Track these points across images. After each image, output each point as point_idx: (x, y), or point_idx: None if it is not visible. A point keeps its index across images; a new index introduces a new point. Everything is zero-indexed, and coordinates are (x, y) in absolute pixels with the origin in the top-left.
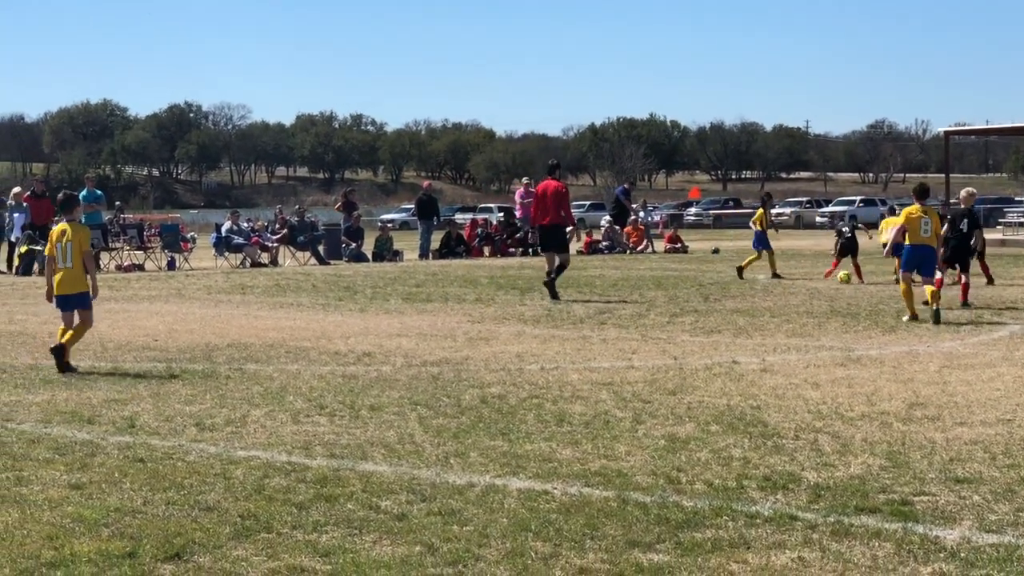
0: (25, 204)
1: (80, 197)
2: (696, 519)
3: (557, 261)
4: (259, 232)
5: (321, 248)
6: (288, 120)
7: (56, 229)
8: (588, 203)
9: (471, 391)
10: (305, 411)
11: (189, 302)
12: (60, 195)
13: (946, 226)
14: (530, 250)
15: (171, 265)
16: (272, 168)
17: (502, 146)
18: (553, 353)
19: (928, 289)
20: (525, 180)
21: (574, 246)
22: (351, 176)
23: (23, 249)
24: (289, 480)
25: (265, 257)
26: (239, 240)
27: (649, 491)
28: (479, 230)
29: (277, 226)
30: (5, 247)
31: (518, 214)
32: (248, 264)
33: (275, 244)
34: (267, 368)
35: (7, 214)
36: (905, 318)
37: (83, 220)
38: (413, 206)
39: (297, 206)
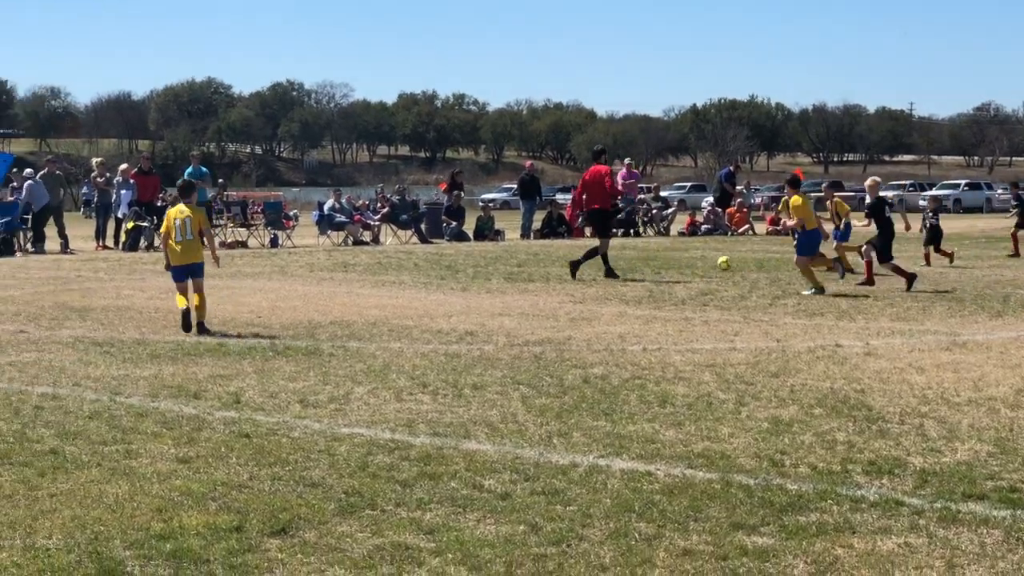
0: (132, 181)
1: (186, 174)
2: (800, 502)
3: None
4: (361, 210)
5: (423, 227)
6: (390, 99)
7: (174, 210)
8: (689, 185)
9: (573, 371)
10: (408, 389)
11: (292, 279)
12: (180, 182)
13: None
14: (631, 231)
15: (274, 242)
16: (373, 147)
17: (603, 127)
18: (655, 334)
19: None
20: (627, 161)
21: (675, 227)
22: (452, 155)
23: (130, 225)
24: (393, 458)
25: (367, 235)
26: (341, 218)
27: (753, 473)
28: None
29: (379, 205)
30: (112, 223)
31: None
32: (350, 242)
33: (377, 222)
34: (370, 346)
35: (114, 191)
36: (807, 291)
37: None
38: (514, 186)
39: (398, 185)
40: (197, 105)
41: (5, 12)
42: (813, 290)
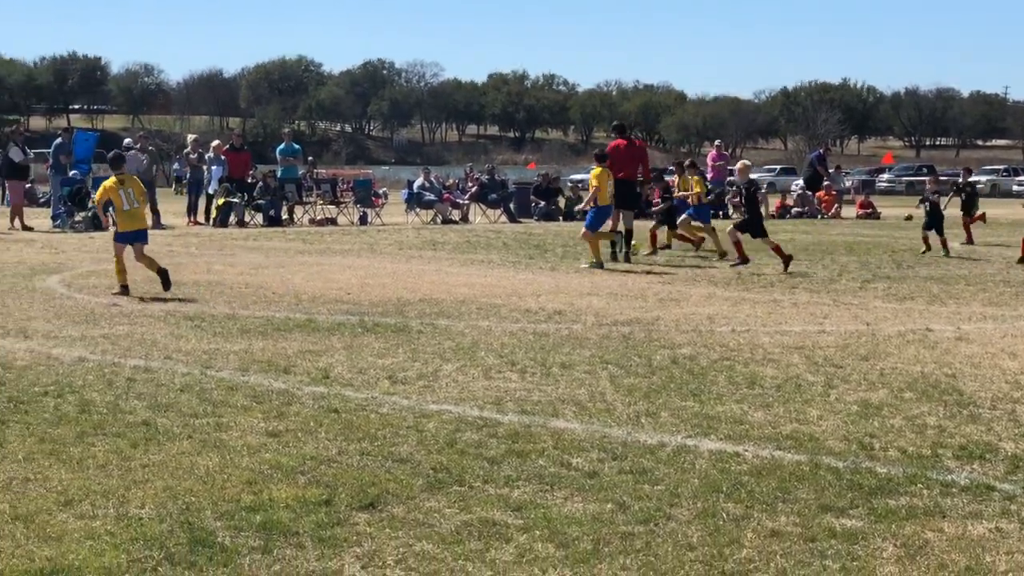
0: (223, 157)
1: (278, 151)
2: (890, 486)
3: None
4: (450, 189)
5: (512, 206)
6: (480, 78)
7: (111, 181)
8: (779, 167)
9: (662, 351)
10: (496, 367)
11: (381, 257)
12: (111, 153)
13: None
14: (720, 212)
15: (363, 220)
16: (463, 126)
17: (693, 108)
18: (744, 316)
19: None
20: (717, 143)
21: (764, 209)
22: (541, 136)
23: (220, 201)
24: (481, 435)
25: (456, 214)
26: (431, 197)
27: (842, 456)
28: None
29: (468, 184)
30: (203, 199)
31: (709, 176)
32: (439, 221)
33: (466, 201)
34: (458, 324)
35: (205, 167)
36: (584, 264)
37: (280, 173)
38: None
39: (488, 164)
40: (288, 83)
41: None
42: (592, 263)
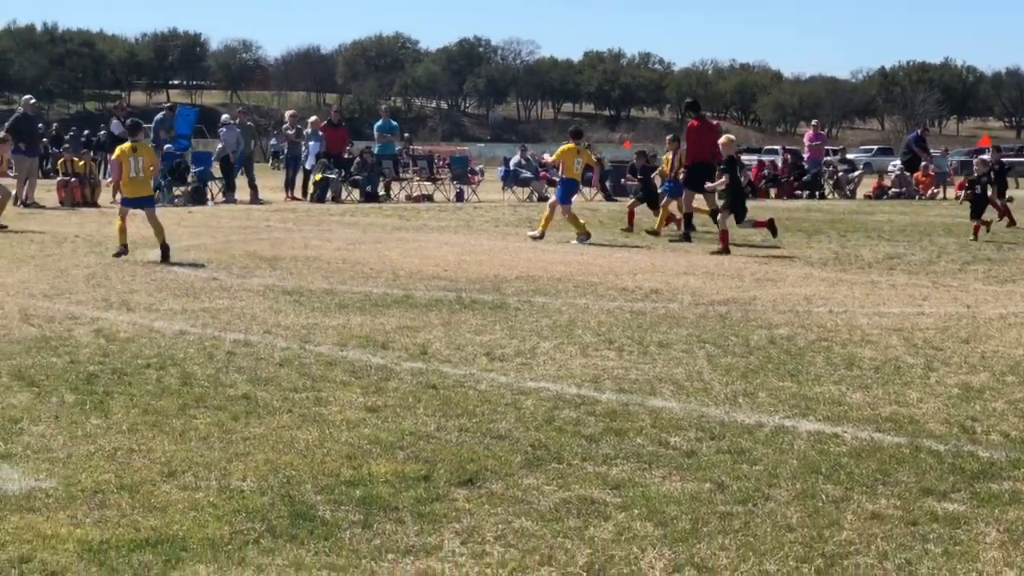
0: (321, 133)
1: (376, 127)
2: (993, 470)
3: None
4: (547, 167)
5: (608, 184)
6: (576, 56)
7: (127, 146)
8: (875, 148)
9: (759, 331)
10: (594, 345)
11: (477, 234)
12: (130, 121)
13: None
14: (817, 193)
15: (459, 197)
16: (558, 104)
17: (789, 88)
18: (841, 297)
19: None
20: (814, 122)
21: (861, 190)
22: (636, 114)
23: (318, 177)
24: (579, 412)
25: (552, 192)
26: (527, 174)
27: (943, 439)
28: (765, 172)
29: None
30: (300, 175)
31: (806, 156)
32: (535, 198)
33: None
34: (555, 301)
35: (303, 142)
36: (573, 241)
37: (377, 149)
38: None
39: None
40: (384, 59)
41: None
42: (580, 238)
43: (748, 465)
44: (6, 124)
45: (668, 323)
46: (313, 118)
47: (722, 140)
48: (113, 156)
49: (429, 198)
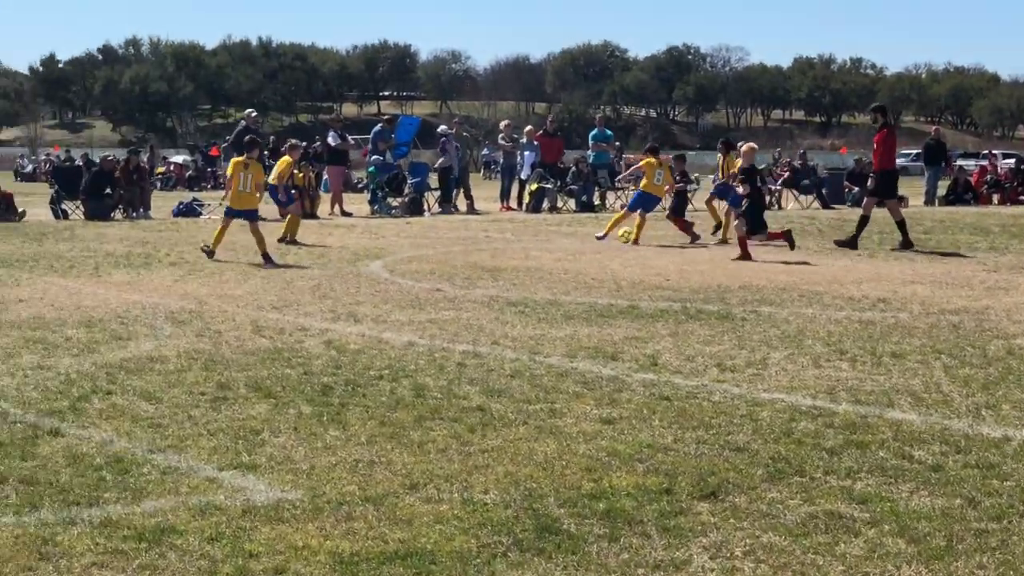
0: (536, 142)
1: (590, 136)
2: None
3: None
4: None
5: (824, 192)
6: (785, 63)
7: (239, 160)
8: None
9: (996, 342)
10: (825, 355)
11: (695, 243)
12: (247, 137)
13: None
14: None
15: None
16: (768, 110)
17: (1007, 91)
18: None
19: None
20: None
21: None
22: (848, 120)
23: (533, 187)
24: (816, 424)
25: (767, 200)
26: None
27: None
28: (988, 177)
29: (779, 170)
30: (516, 185)
31: None
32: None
33: (778, 187)
34: (782, 311)
35: (518, 152)
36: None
37: (591, 158)
38: (914, 151)
39: (801, 150)
40: (593, 68)
41: None
42: (603, 237)
43: (999, 480)
44: (231, 136)
45: (899, 333)
46: (528, 128)
47: (744, 148)
48: (228, 170)
49: None
